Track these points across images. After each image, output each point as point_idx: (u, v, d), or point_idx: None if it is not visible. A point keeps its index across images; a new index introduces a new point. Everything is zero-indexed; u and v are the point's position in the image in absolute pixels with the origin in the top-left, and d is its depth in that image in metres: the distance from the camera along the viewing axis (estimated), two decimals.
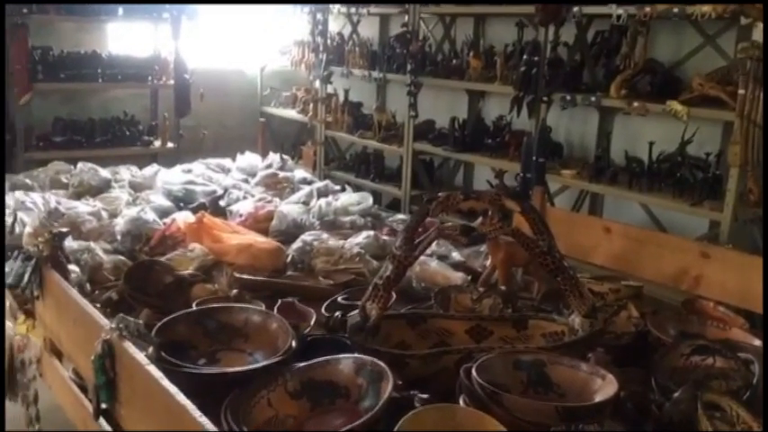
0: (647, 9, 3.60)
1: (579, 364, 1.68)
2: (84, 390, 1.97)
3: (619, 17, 3.75)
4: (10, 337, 2.35)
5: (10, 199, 3.35)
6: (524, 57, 4.26)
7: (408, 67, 5.04)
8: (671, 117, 3.62)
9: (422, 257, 2.43)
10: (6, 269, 2.52)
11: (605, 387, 1.59)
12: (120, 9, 5.63)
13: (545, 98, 4.17)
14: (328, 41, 5.91)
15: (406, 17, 5.07)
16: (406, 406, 1.57)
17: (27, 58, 5.21)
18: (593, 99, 4.02)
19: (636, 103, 3.78)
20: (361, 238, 3.12)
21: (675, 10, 3.51)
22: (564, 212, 3.61)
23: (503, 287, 2.34)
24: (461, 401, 1.59)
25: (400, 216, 3.76)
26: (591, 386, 1.62)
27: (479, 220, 2.64)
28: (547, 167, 4.19)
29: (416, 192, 5.21)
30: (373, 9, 5.49)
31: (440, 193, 1.97)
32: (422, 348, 1.94)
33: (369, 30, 5.94)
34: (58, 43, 5.60)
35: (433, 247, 2.84)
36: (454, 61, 5.08)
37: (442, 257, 2.89)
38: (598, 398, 1.56)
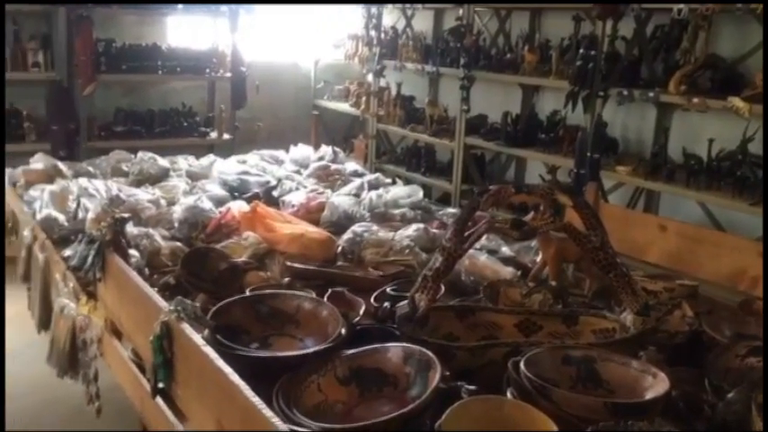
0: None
1: (630, 362, 1.66)
2: (142, 369, 2.04)
3: (680, 11, 3.66)
4: (72, 318, 2.45)
5: (74, 185, 3.48)
6: (581, 51, 4.20)
7: (462, 61, 5.02)
8: (732, 114, 3.52)
9: (471, 251, 2.44)
10: (70, 252, 2.64)
11: (656, 385, 1.57)
12: (180, 4, 5.76)
13: (601, 93, 4.10)
14: (382, 35, 5.93)
15: (461, 11, 5.05)
16: (452, 396, 1.58)
17: (91, 50, 5.38)
18: (651, 94, 3.93)
19: (696, 99, 3.69)
20: (411, 230, 3.13)
21: (739, 5, 3.41)
22: (618, 209, 3.55)
23: (553, 283, 2.32)
24: (509, 394, 1.60)
25: (450, 210, 3.76)
26: (642, 384, 1.60)
27: (531, 215, 2.62)
28: (601, 164, 4.13)
29: (467, 186, 5.19)
30: (428, 4, 5.49)
31: (491, 187, 1.97)
32: (469, 341, 1.95)
33: (422, 23, 5.94)
34: (121, 36, 5.76)
35: (483, 241, 2.84)
36: (508, 55, 5.04)
37: (492, 252, 2.88)
38: (649, 396, 1.55)
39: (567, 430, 1.41)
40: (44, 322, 2.95)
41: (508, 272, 2.66)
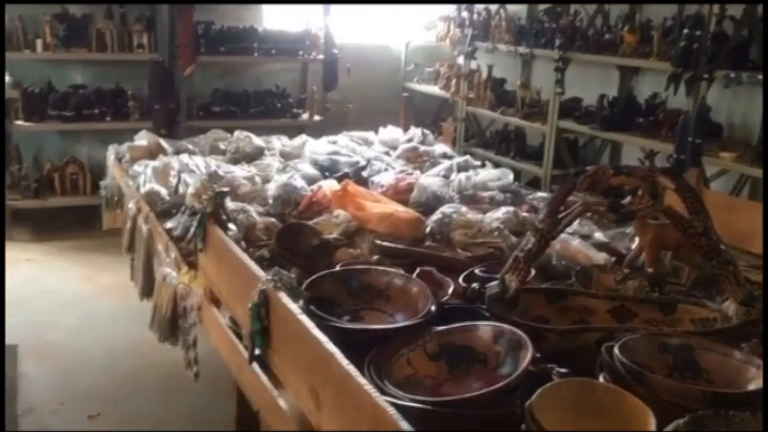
0: None
1: (732, 352, 1.59)
2: (239, 336, 2.13)
3: None
4: (174, 286, 2.58)
5: (175, 162, 3.64)
6: (685, 31, 4.01)
7: (557, 42, 4.90)
8: None
9: (564, 236, 2.39)
10: (173, 224, 2.77)
11: (760, 378, 1.50)
12: None
13: (706, 75, 3.91)
14: (474, 16, 5.86)
15: None
16: (542, 379, 1.57)
17: (192, 33, 5.58)
18: (760, 77, 3.71)
19: None
20: (501, 213, 3.10)
21: None
22: (721, 196, 3.39)
23: (650, 270, 2.25)
24: (601, 379, 1.57)
25: (541, 194, 3.69)
26: (744, 375, 1.54)
27: (628, 199, 2.54)
28: (704, 149, 3.95)
29: (558, 171, 5.08)
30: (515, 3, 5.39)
31: (588, 167, 1.92)
32: (559, 324, 1.92)
33: (516, 4, 5.83)
34: (220, 18, 5.94)
35: (576, 226, 2.78)
36: (607, 36, 4.87)
37: (585, 237, 2.82)
38: (751, 388, 1.48)
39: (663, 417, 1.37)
40: (146, 290, 3.12)
41: (601, 257, 2.60)
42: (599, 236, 2.86)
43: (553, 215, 1.90)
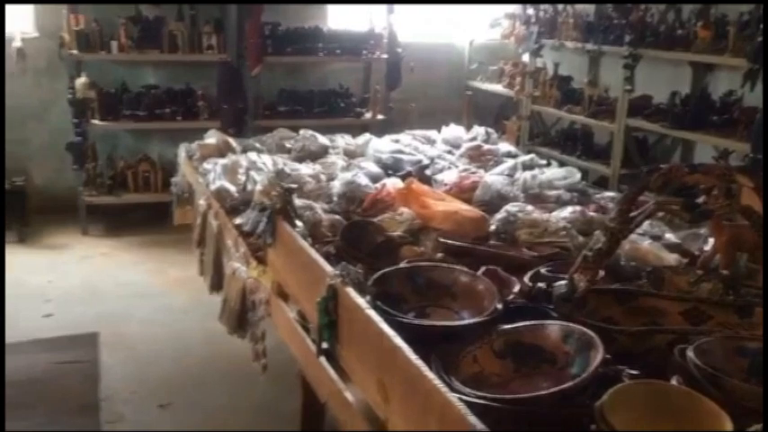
0: None
1: None
2: (306, 330, 2.17)
3: None
4: (243, 280, 2.65)
5: (243, 159, 3.73)
6: (762, 26, 3.85)
7: (626, 39, 4.78)
8: None
9: (633, 236, 2.34)
10: (243, 219, 2.84)
11: None
12: None
13: None
14: (541, 13, 5.78)
15: None
16: (613, 379, 1.54)
17: (259, 34, 5.70)
18: None
19: None
20: (567, 212, 3.06)
21: None
22: None
23: (724, 272, 2.18)
24: (674, 382, 1.53)
25: (609, 193, 3.62)
26: None
27: (702, 198, 2.46)
28: None
29: (626, 170, 4.96)
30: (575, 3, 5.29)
31: (662, 165, 1.88)
32: (630, 326, 1.88)
33: (583, 4, 5.71)
34: (286, 19, 6.04)
35: (646, 226, 2.71)
36: (679, 31, 4.72)
37: (656, 237, 2.75)
38: None
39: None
40: (216, 284, 3.21)
41: (673, 258, 2.53)
42: (670, 236, 2.79)
43: (624, 214, 1.87)
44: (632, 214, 1.89)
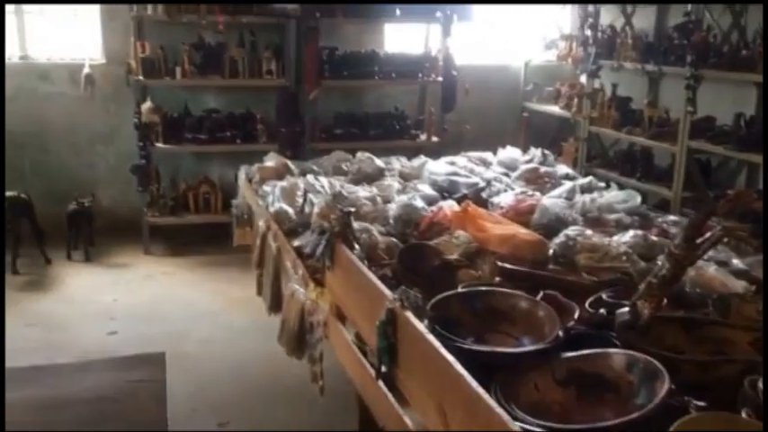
0: None
1: None
2: (364, 353, 2.18)
3: None
4: (301, 302, 2.68)
5: (301, 182, 3.79)
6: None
7: (688, 59, 4.68)
8: None
9: (699, 262, 2.28)
10: (301, 242, 2.89)
11: None
12: (398, 10, 6.00)
13: None
14: (599, 34, 5.72)
15: (689, 6, 4.71)
16: (679, 411, 1.50)
17: (317, 58, 5.80)
18: None
19: None
20: (628, 236, 3.00)
21: None
22: None
23: None
24: (744, 414, 1.48)
25: (672, 217, 3.53)
26: None
27: None
28: None
29: (688, 193, 4.83)
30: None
31: (728, 191, 1.83)
32: (695, 355, 1.83)
33: (643, 21, 5.63)
34: (343, 44, 6.14)
35: (711, 252, 2.64)
36: (744, 52, 4.60)
37: (722, 263, 2.67)
38: None
39: None
40: (274, 305, 3.26)
41: (740, 285, 2.45)
42: (737, 263, 2.71)
43: (690, 240, 1.83)
44: (698, 241, 1.85)
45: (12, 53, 5.83)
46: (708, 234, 1.88)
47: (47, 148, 5.94)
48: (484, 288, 2.12)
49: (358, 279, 2.17)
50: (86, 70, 5.65)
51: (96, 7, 5.88)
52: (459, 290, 2.12)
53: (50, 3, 5.79)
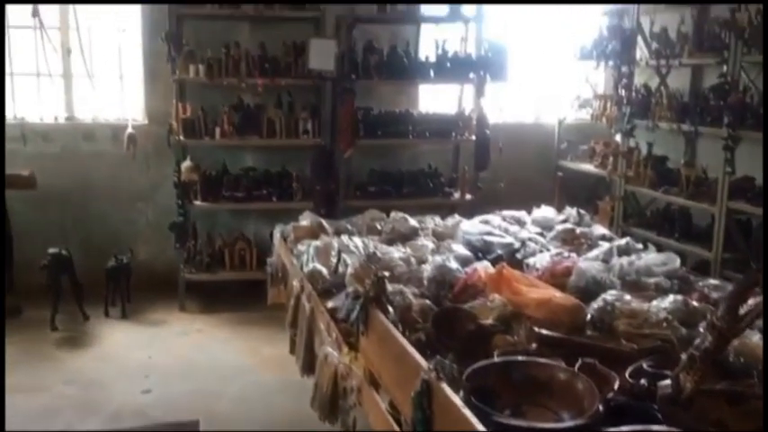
0: None
1: None
2: (398, 422, 2.14)
3: None
4: (335, 365, 2.66)
5: (335, 242, 3.81)
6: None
7: (725, 120, 4.65)
8: None
9: None
10: (335, 303, 2.89)
11: None
12: (432, 72, 6.10)
13: None
14: (633, 94, 5.73)
15: (725, 67, 4.70)
16: None
17: (352, 118, 5.91)
18: None
19: None
20: (668, 302, 2.93)
21: None
22: None
23: None
24: None
25: (712, 281, 3.45)
26: None
27: None
28: None
29: (729, 255, 4.73)
30: (685, 60, 5.22)
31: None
32: (741, 430, 1.76)
33: (678, 81, 5.64)
34: (378, 103, 6.25)
35: None
36: None
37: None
38: None
39: None
40: (307, 367, 3.24)
41: None
42: None
43: (733, 312, 1.79)
44: (741, 312, 1.80)
45: (59, 114, 6.07)
46: (751, 303, 1.83)
47: (89, 205, 6.10)
48: (521, 358, 2.09)
49: (392, 346, 2.15)
50: (129, 130, 5.83)
51: (140, 70, 6.11)
52: (496, 359, 2.09)
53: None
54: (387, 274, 2.60)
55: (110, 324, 5.37)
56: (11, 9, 5.67)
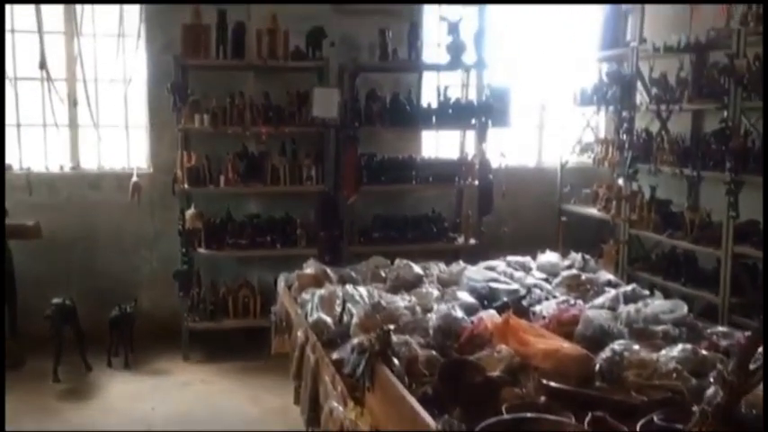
0: None
1: None
2: None
3: None
4: (341, 420, 2.62)
5: (340, 290, 3.79)
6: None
7: (727, 165, 4.67)
8: None
9: None
10: (338, 355, 2.86)
11: None
12: (434, 118, 6.15)
13: None
14: (634, 138, 5.77)
15: (725, 113, 4.74)
16: None
17: (355, 164, 5.94)
18: None
19: None
20: (677, 351, 2.91)
21: None
22: None
23: None
24: None
25: (721, 328, 3.42)
26: None
27: None
28: None
29: (736, 299, 4.69)
30: (685, 106, 5.27)
31: None
32: None
33: (680, 126, 5.67)
34: (381, 150, 6.28)
35: None
36: None
37: None
38: None
39: None
40: (312, 420, 3.20)
41: None
42: None
43: (744, 367, 1.76)
44: (752, 367, 1.78)
45: (65, 163, 6.12)
46: (761, 358, 1.81)
47: (93, 253, 6.10)
48: (530, 415, 2.05)
49: (399, 404, 2.12)
50: (134, 179, 5.87)
51: (145, 119, 6.18)
52: (505, 416, 2.06)
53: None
54: (392, 327, 2.57)
55: (112, 374, 5.32)
56: (19, 60, 5.78)
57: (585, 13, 6.96)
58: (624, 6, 6.22)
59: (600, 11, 6.68)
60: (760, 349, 1.95)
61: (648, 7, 5.87)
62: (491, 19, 6.74)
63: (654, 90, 5.62)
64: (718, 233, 4.87)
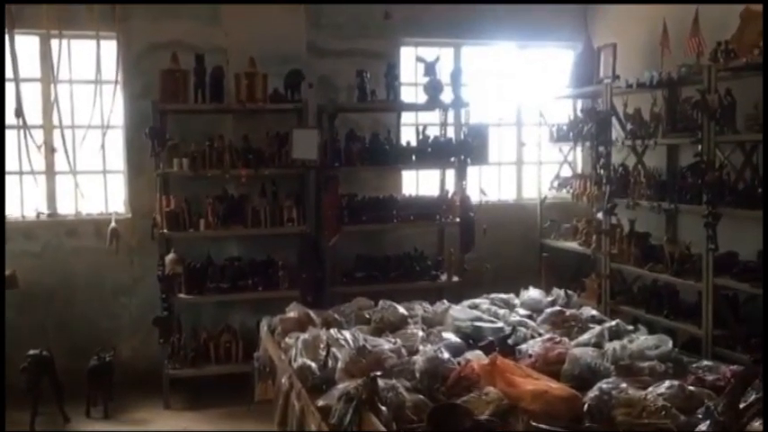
0: None
1: None
2: None
3: None
4: None
5: (324, 334, 3.74)
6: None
7: (704, 198, 4.73)
8: None
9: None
10: (326, 401, 2.80)
11: None
12: (413, 157, 6.19)
13: None
14: (612, 173, 5.84)
15: (699, 147, 4.81)
16: None
17: (336, 205, 5.93)
18: None
19: None
20: (664, 387, 2.91)
21: None
22: None
23: None
24: None
25: (706, 362, 3.44)
26: None
27: None
28: None
29: (719, 331, 4.71)
30: (660, 140, 5.35)
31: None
32: None
33: (655, 160, 5.75)
34: (362, 189, 6.30)
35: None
36: (760, 189, 4.64)
37: None
38: None
39: None
40: None
41: None
42: None
43: (734, 407, 1.75)
44: (742, 406, 1.77)
45: (41, 210, 6.04)
46: (752, 399, 1.81)
47: (71, 302, 5.99)
48: None
49: None
50: (112, 224, 5.81)
51: (124, 164, 6.14)
52: None
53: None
54: (379, 373, 2.54)
55: (91, 425, 5.18)
56: None
57: (558, 52, 7.13)
58: (596, 44, 6.36)
59: (572, 50, 6.85)
60: (749, 387, 1.95)
61: (620, 44, 6.00)
62: (467, 59, 6.88)
63: (629, 125, 5.71)
64: (698, 265, 4.90)
